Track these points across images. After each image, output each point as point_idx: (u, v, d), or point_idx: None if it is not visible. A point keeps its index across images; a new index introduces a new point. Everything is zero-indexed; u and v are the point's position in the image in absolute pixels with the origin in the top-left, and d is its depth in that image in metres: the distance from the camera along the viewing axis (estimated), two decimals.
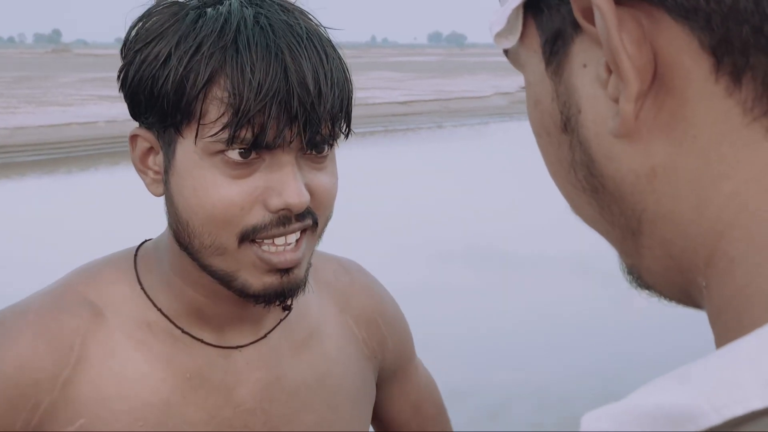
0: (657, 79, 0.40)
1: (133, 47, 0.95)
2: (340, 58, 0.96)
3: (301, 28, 0.93)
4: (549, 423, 4.77)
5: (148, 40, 0.93)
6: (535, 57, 0.46)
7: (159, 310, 1.03)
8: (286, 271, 0.95)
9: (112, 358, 1.00)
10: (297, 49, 0.91)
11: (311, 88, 0.90)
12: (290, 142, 0.91)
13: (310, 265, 0.99)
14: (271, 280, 0.95)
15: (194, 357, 1.02)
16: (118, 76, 0.97)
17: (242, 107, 0.88)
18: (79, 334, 1.00)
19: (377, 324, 1.19)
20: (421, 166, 14.08)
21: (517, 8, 0.45)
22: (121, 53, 0.98)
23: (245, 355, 1.05)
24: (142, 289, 1.03)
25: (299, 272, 0.96)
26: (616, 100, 0.41)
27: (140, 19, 0.96)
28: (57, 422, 0.98)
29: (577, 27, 0.42)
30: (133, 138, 0.99)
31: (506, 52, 0.49)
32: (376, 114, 20.29)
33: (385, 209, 10.43)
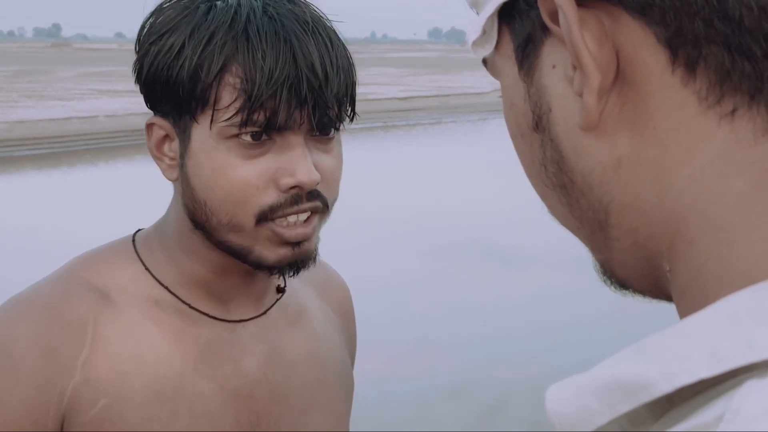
0: (620, 74, 0.42)
1: (148, 40, 1.01)
2: (344, 45, 1.02)
3: (306, 16, 0.99)
4: (547, 420, 4.77)
5: (162, 32, 0.99)
6: (508, 62, 0.48)
7: (165, 287, 1.07)
8: (297, 243, 1.01)
9: (125, 336, 1.04)
10: (304, 37, 0.97)
11: (319, 72, 0.96)
12: (300, 124, 0.97)
13: (319, 239, 1.04)
14: (284, 252, 1.01)
15: (203, 330, 1.07)
16: (134, 69, 1.03)
17: (255, 92, 0.95)
18: (91, 316, 1.03)
19: (347, 316, 1.27)
20: (420, 162, 14.09)
21: (491, 17, 0.47)
22: (135, 47, 1.03)
23: (248, 329, 1.10)
24: (146, 269, 1.07)
25: (310, 245, 1.02)
26: (581, 95, 0.43)
27: (152, 13, 1.02)
28: (82, 405, 1.00)
29: (546, 31, 0.44)
30: (149, 126, 1.04)
31: (484, 62, 0.52)
32: (375, 110, 20.30)
33: (384, 205, 10.44)
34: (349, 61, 1.02)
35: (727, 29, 0.39)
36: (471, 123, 20.62)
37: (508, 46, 0.48)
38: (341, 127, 1.03)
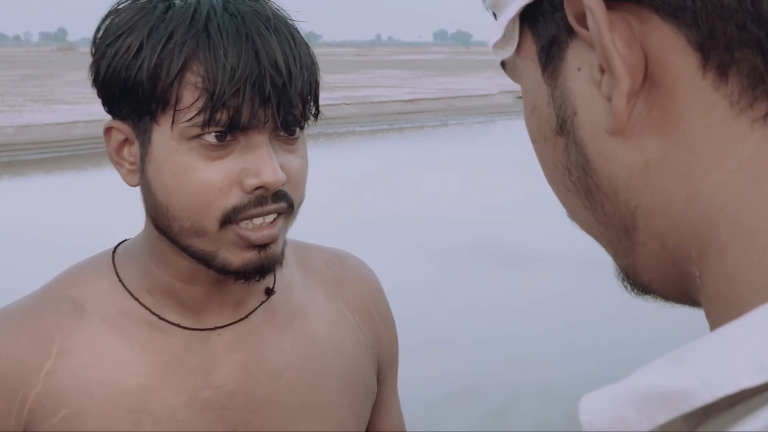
0: (648, 77, 0.42)
1: (104, 42, 0.98)
2: (306, 43, 1.00)
3: (268, 13, 0.97)
4: (556, 422, 4.76)
5: (119, 33, 0.96)
6: (531, 65, 0.48)
7: (136, 299, 1.05)
8: (263, 246, 0.98)
9: (91, 347, 1.03)
10: (266, 34, 0.94)
11: (282, 69, 0.94)
12: (264, 123, 0.95)
13: (285, 243, 1.02)
14: (249, 256, 0.98)
15: (170, 341, 1.05)
16: (90, 71, 1.00)
17: (217, 91, 0.91)
18: (59, 328, 1.03)
19: (371, 313, 1.21)
20: (427, 164, 14.08)
21: (513, 19, 0.47)
22: (91, 50, 1.00)
23: (224, 337, 1.07)
24: (120, 281, 1.06)
25: (276, 248, 0.99)
26: (610, 99, 0.42)
27: (108, 14, 0.99)
28: (43, 415, 1.00)
29: (571, 33, 0.44)
30: (108, 131, 1.02)
31: (503, 64, 0.51)
32: (381, 112, 20.29)
33: (391, 207, 10.43)
34: (313, 60, 0.99)
35: (760, 32, 0.38)
36: (477, 125, 20.61)
37: (531, 49, 0.47)
38: (305, 126, 1.00)
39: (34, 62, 49.99)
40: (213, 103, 0.92)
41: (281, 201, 0.97)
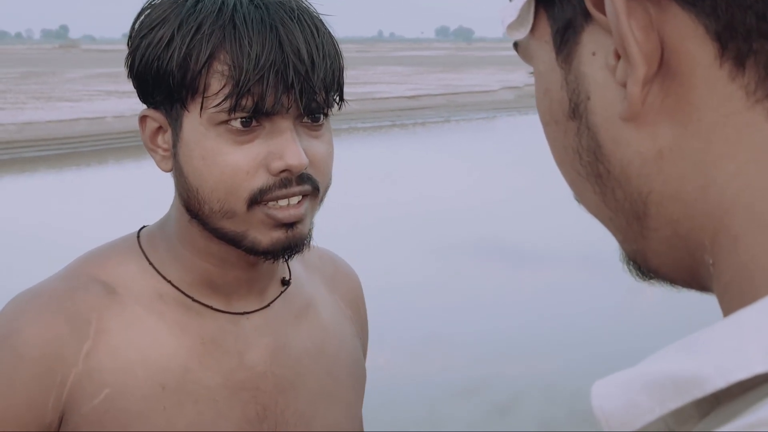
0: (664, 64, 0.42)
1: (139, 34, 1.03)
2: (330, 33, 1.04)
3: (292, 4, 1.02)
4: (559, 418, 4.77)
5: (153, 26, 1.02)
6: (545, 47, 0.47)
7: (169, 282, 1.08)
8: (291, 225, 1.02)
9: (129, 328, 1.05)
10: (290, 24, 0.99)
11: (305, 58, 0.99)
12: (288, 109, 0.99)
13: (313, 224, 1.06)
14: (278, 235, 1.02)
15: (206, 323, 1.08)
16: (126, 63, 1.06)
17: (242, 78, 0.97)
18: (95, 309, 1.05)
19: (358, 307, 1.28)
20: (429, 160, 14.08)
21: (528, 1, 0.47)
22: (128, 43, 1.06)
23: (252, 322, 1.11)
24: (151, 264, 1.09)
25: (303, 228, 1.03)
26: (624, 85, 0.42)
27: (144, 9, 1.05)
28: (84, 396, 1.02)
29: (587, 17, 0.44)
30: (143, 119, 1.06)
31: (516, 46, 0.51)
32: (383, 108, 20.30)
33: (393, 203, 10.44)
34: (336, 49, 1.04)
35: None
36: (479, 121, 20.60)
37: (546, 31, 0.47)
38: (330, 113, 1.05)
39: (35, 59, 49.98)
40: (238, 90, 0.97)
41: (306, 183, 1.01)
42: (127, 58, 1.05)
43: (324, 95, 1.01)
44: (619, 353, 5.50)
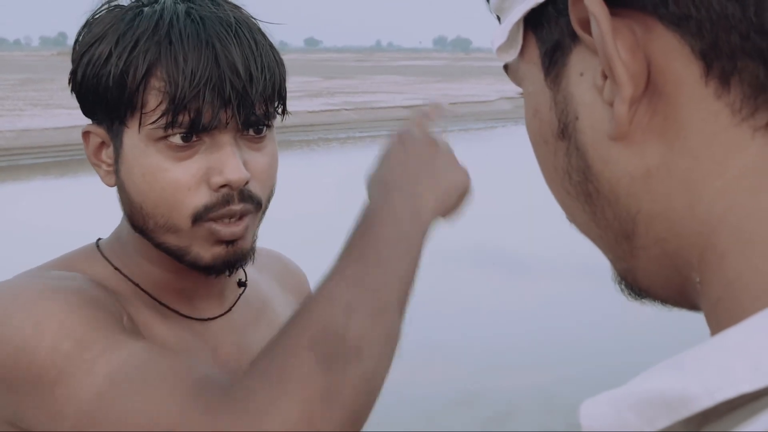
0: (650, 84, 0.42)
1: (80, 50, 1.03)
2: (270, 45, 1.05)
3: (230, 18, 1.01)
4: (557, 428, 4.76)
5: (92, 42, 1.02)
6: (534, 68, 0.48)
7: (136, 284, 1.08)
8: (231, 242, 1.03)
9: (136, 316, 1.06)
10: (227, 38, 0.99)
11: (242, 72, 0.99)
12: (226, 124, 1.00)
13: (255, 238, 1.07)
14: (219, 251, 1.03)
15: (179, 324, 1.09)
16: (69, 79, 1.06)
17: (178, 94, 0.97)
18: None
19: None
20: None
21: (517, 23, 0.48)
22: (72, 58, 1.05)
23: (218, 323, 1.13)
24: (116, 269, 1.09)
25: (244, 243, 1.04)
26: (612, 104, 0.43)
27: (85, 25, 1.05)
28: None
29: (574, 38, 0.45)
30: (86, 134, 1.07)
31: (506, 68, 0.52)
32: (381, 118, 20.29)
33: None
34: (277, 60, 1.04)
35: (763, 43, 0.39)
36: (477, 131, 20.62)
37: (534, 53, 0.48)
38: (272, 124, 1.05)
39: (34, 66, 50.03)
40: (175, 106, 0.97)
41: (247, 202, 1.02)
42: (70, 73, 1.05)
43: (264, 108, 1.02)
44: (617, 365, 5.49)
